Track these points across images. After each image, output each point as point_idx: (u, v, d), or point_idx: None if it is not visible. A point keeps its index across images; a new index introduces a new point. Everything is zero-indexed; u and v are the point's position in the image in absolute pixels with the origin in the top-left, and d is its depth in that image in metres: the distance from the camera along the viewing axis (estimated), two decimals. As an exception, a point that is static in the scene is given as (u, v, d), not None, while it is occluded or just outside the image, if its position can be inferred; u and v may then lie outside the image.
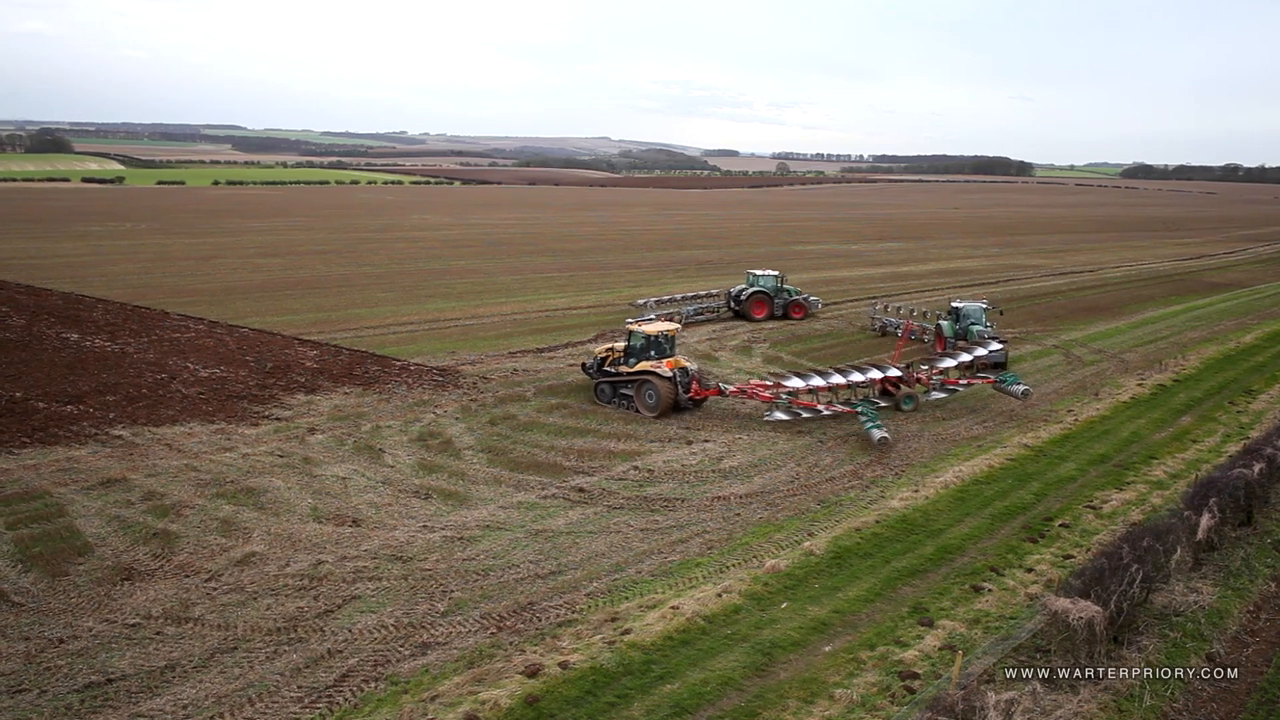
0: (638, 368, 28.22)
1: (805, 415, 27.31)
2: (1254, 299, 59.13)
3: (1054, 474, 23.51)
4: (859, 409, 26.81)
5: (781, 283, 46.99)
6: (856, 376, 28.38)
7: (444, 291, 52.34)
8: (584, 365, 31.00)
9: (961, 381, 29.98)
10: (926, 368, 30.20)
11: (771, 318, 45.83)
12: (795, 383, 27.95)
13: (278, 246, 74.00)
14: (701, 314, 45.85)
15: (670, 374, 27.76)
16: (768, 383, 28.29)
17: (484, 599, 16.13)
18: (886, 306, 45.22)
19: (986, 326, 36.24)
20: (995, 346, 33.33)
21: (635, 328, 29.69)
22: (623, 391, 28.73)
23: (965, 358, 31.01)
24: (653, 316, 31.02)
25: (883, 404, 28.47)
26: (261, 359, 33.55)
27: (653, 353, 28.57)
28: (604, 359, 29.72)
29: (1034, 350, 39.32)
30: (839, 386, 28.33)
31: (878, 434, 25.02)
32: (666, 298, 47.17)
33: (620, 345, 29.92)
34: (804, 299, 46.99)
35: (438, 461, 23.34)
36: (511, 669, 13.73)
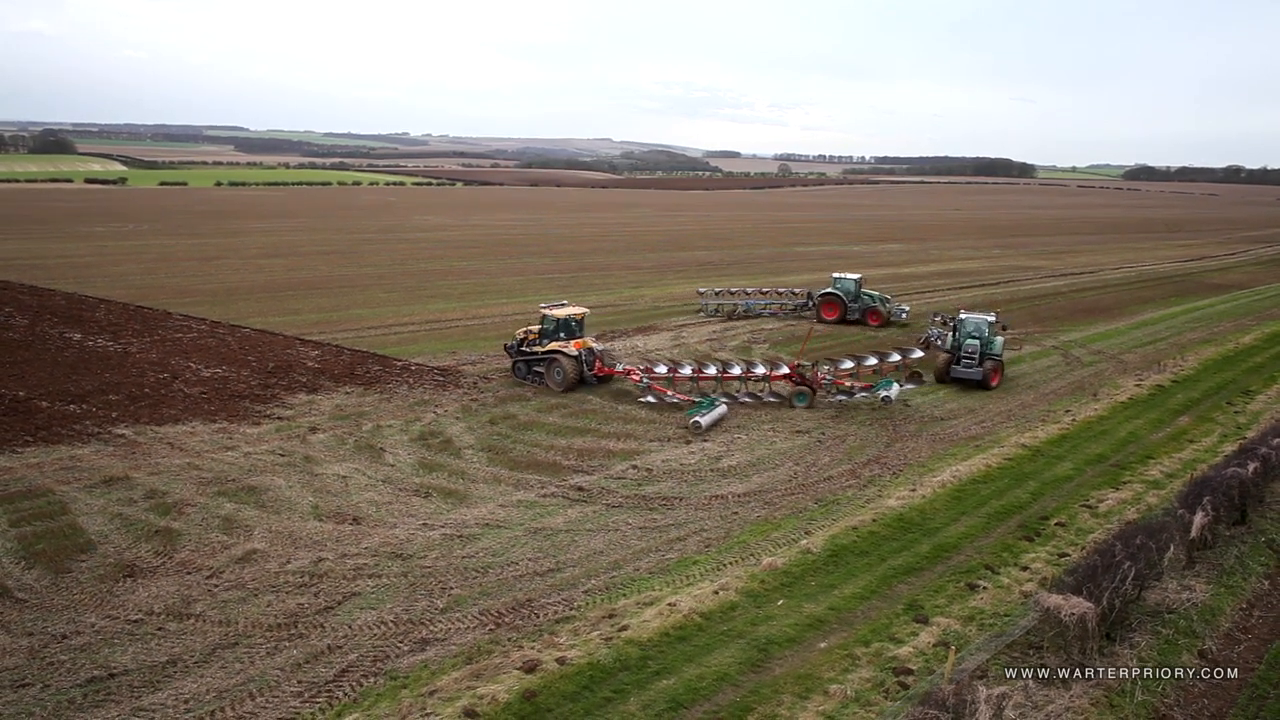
0: (548, 347, 30.80)
1: (669, 399, 29.08)
2: (1254, 300, 59.19)
3: (1051, 474, 23.61)
4: (699, 399, 28.52)
5: (860, 286, 45.26)
6: (736, 370, 30.13)
7: (445, 292, 52.54)
8: (506, 346, 33.12)
9: (852, 384, 29.60)
10: (829, 367, 30.48)
11: (843, 321, 44.47)
12: (661, 369, 30.33)
13: (280, 247, 74.25)
14: (765, 310, 46.35)
15: (576, 353, 30.41)
16: (642, 367, 30.75)
17: (483, 596, 16.27)
18: (945, 320, 40.79)
19: (989, 341, 33.58)
20: (917, 354, 32.23)
21: (548, 312, 31.59)
22: (535, 369, 31.25)
23: (872, 361, 30.91)
24: (564, 303, 33.33)
25: (767, 399, 29.72)
26: (264, 359, 33.73)
27: (562, 334, 31.03)
28: (523, 339, 32.03)
29: (1033, 351, 39.41)
30: (724, 378, 29.93)
31: (692, 419, 26.52)
32: (735, 289, 48.31)
33: (537, 328, 31.97)
34: (885, 306, 44.67)
35: (438, 460, 23.49)
36: (509, 664, 13.87)
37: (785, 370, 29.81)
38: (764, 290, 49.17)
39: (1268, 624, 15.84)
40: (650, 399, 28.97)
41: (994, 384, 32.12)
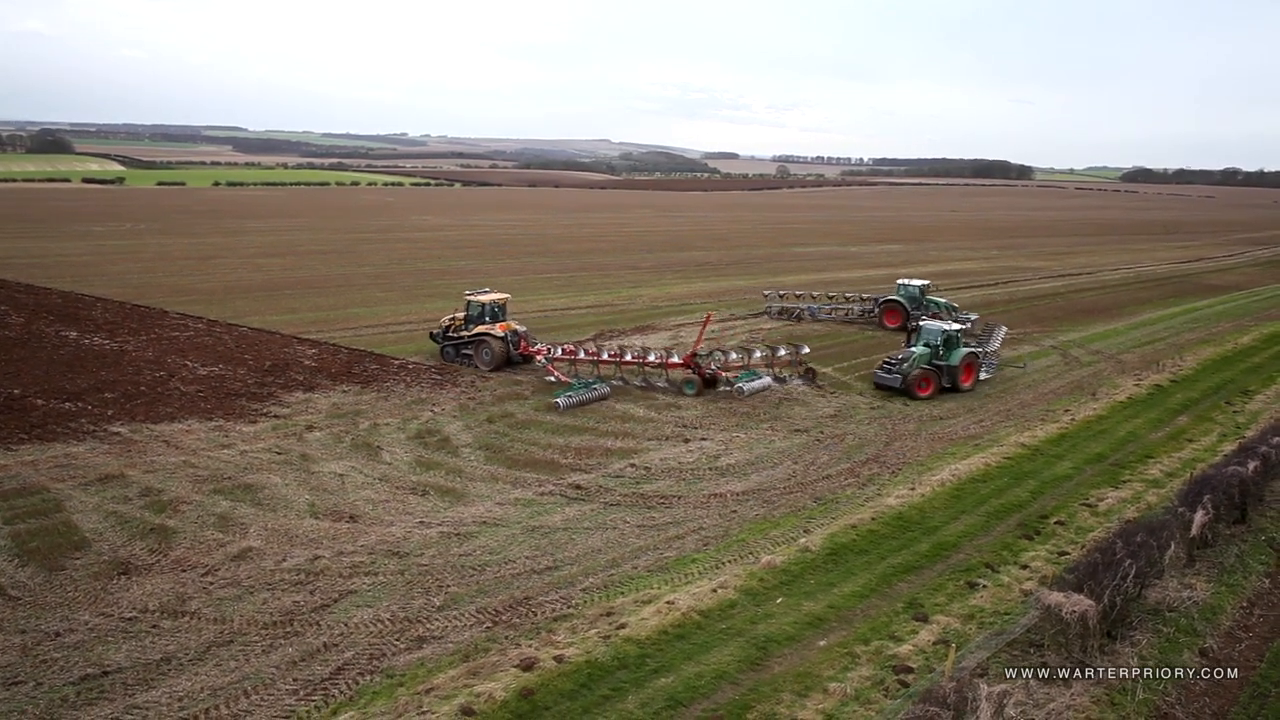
0: (476, 330, 33.11)
1: (560, 379, 30.88)
2: (1252, 301, 59.19)
3: (1050, 473, 23.55)
4: (573, 381, 30.28)
5: (924, 293, 43.65)
6: (628, 357, 31.71)
7: (443, 291, 52.30)
8: (432, 334, 35.27)
9: (729, 375, 30.80)
10: (721, 357, 31.52)
11: (904, 329, 41.85)
12: (557, 351, 32.44)
13: (278, 247, 74.07)
14: (831, 314, 45.91)
15: (502, 335, 32.82)
16: (542, 347, 32.93)
17: (480, 594, 16.17)
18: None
19: (946, 352, 31.67)
20: (806, 350, 32.59)
21: (473, 298, 33.80)
22: (464, 352, 33.44)
23: (758, 354, 31.91)
24: (487, 289, 35.75)
25: (657, 383, 31.13)
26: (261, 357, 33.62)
27: (487, 318, 33.30)
28: (448, 326, 34.26)
29: (1032, 351, 39.36)
30: (621, 363, 31.56)
31: (554, 399, 28.31)
32: (800, 292, 48.94)
33: (462, 314, 34.17)
34: (950, 315, 42.12)
35: (435, 459, 23.39)
36: (507, 662, 13.77)
37: (679, 359, 31.17)
38: (830, 294, 48.57)
39: (1269, 623, 15.77)
40: (550, 378, 30.94)
41: (921, 394, 30.38)
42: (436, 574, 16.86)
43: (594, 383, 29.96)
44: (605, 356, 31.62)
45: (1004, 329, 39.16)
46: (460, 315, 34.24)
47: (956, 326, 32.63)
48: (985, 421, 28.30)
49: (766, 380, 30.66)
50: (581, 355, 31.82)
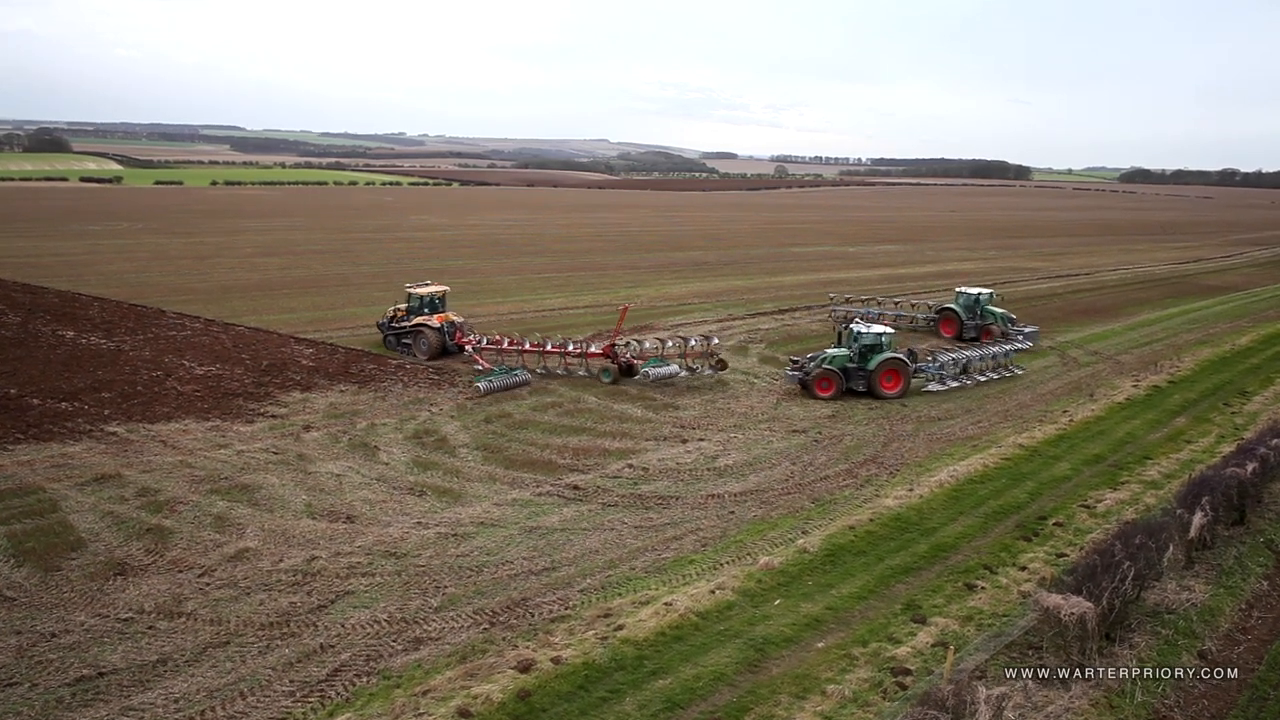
0: (414, 321, 34.93)
1: (485, 366, 31.96)
2: (1250, 302, 59.25)
3: (1049, 474, 23.53)
4: (495, 368, 31.40)
5: (979, 302, 42.03)
6: (550, 346, 33.00)
7: (441, 291, 52.26)
8: (378, 323, 37.31)
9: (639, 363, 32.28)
10: (636, 346, 33.18)
11: (960, 339, 41.29)
12: (483, 341, 33.52)
13: (275, 246, 73.97)
14: (894, 321, 44.36)
15: (439, 326, 34.46)
16: (472, 338, 33.97)
17: (477, 594, 16.12)
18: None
19: (866, 357, 31.01)
20: (716, 340, 34.18)
21: (413, 290, 35.92)
22: (404, 341, 35.15)
23: (671, 345, 33.17)
24: (428, 282, 37.79)
25: (581, 372, 32.43)
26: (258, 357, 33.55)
27: (427, 310, 35.28)
28: (393, 317, 36.30)
29: (1029, 351, 39.31)
30: (544, 352, 32.81)
31: (475, 384, 29.87)
32: (865, 297, 49.49)
33: (404, 306, 36.18)
34: (1005, 325, 40.97)
35: (432, 459, 23.33)
36: (504, 664, 13.73)
37: (598, 348, 32.67)
38: (896, 301, 47.94)
39: (1267, 624, 15.75)
40: (478, 366, 32.02)
41: (821, 394, 30.29)
42: (434, 575, 16.81)
43: (516, 370, 31.23)
44: (527, 346, 32.80)
45: (1015, 345, 38.66)
46: (404, 306, 36.07)
47: (879, 330, 31.70)
48: (983, 422, 28.28)
49: (673, 368, 31.93)
50: (506, 344, 32.94)
